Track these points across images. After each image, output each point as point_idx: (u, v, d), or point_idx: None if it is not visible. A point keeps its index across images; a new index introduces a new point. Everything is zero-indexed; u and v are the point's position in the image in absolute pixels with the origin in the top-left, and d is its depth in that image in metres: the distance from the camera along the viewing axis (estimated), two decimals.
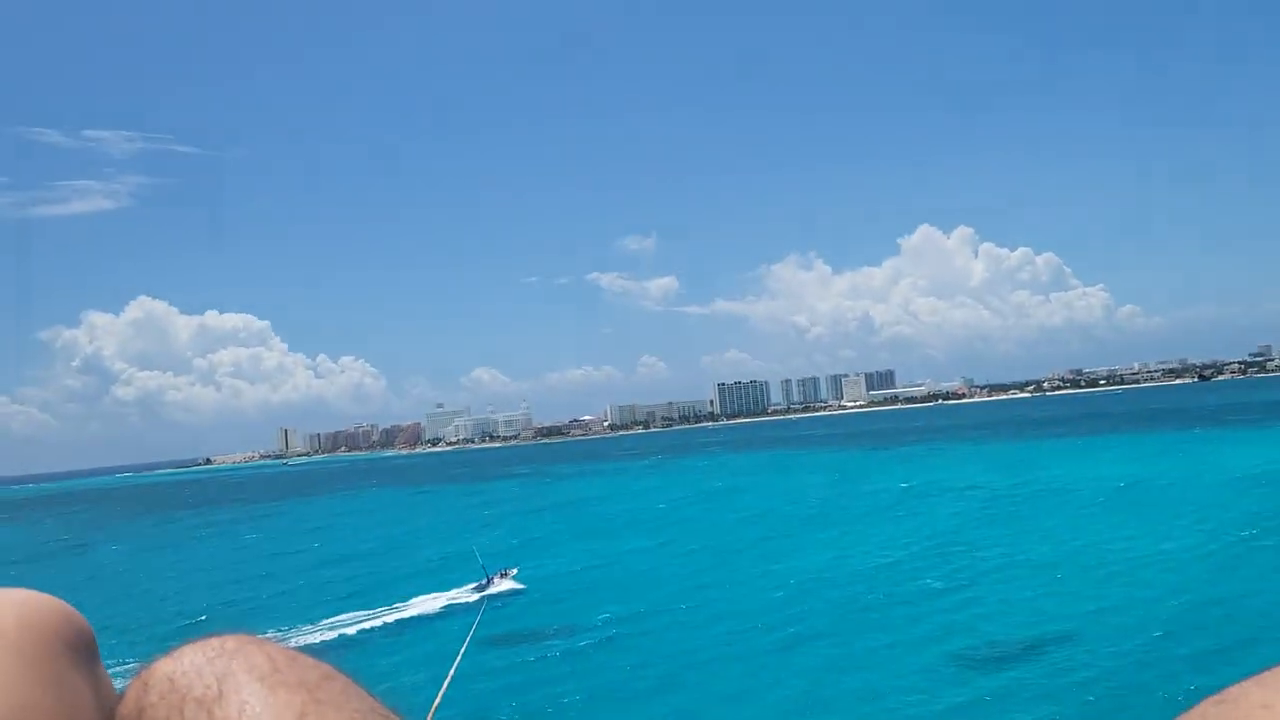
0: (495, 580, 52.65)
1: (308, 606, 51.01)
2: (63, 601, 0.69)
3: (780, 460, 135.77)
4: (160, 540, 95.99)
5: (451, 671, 31.84)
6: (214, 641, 0.72)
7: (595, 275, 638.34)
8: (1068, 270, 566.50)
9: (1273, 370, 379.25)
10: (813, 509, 73.37)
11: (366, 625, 45.79)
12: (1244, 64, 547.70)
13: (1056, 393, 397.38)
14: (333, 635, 43.41)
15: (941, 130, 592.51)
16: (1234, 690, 0.81)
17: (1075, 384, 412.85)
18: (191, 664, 0.69)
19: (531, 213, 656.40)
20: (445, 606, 48.99)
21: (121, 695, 0.74)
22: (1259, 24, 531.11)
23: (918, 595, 42.40)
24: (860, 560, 51.41)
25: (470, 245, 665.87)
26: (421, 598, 50.74)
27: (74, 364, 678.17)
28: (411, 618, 47.18)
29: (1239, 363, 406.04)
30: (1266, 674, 0.80)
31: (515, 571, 53.79)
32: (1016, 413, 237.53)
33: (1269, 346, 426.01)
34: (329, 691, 0.68)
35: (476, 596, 50.20)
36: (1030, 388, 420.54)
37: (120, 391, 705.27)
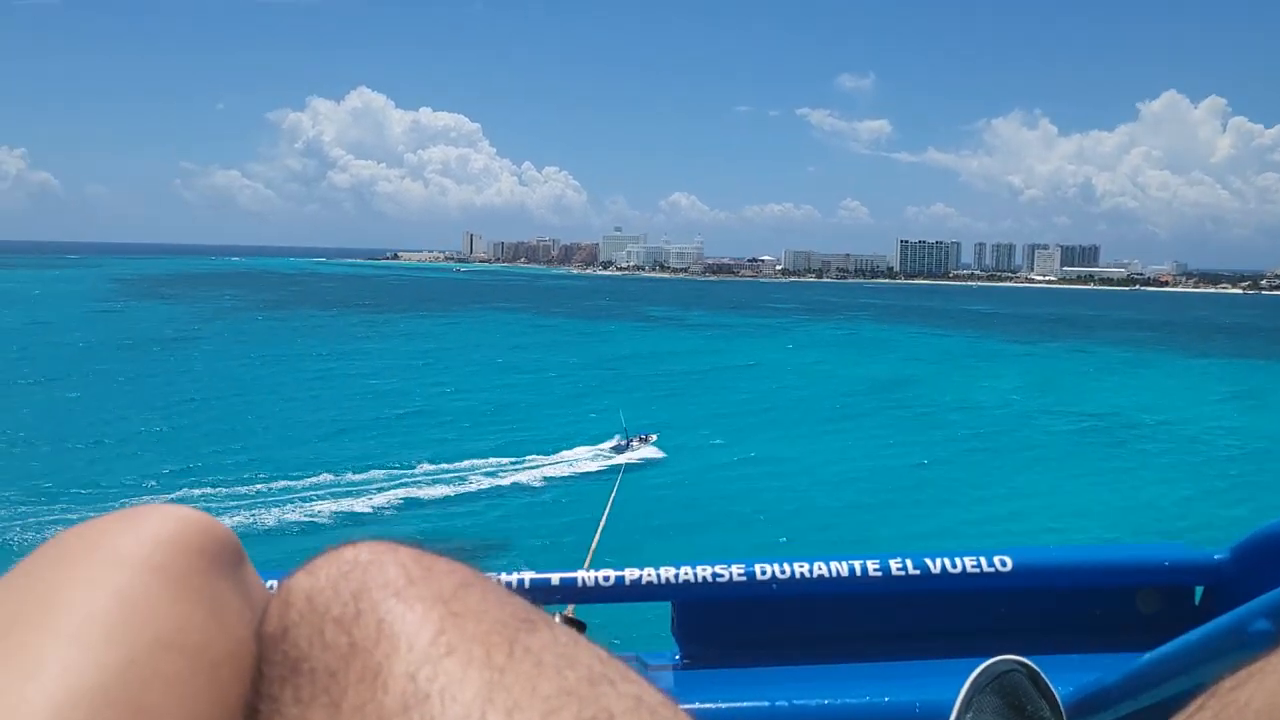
0: (634, 444, 48.68)
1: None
2: (202, 513, 0.70)
3: (960, 347, 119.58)
4: (276, 350, 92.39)
5: (603, 520, 26.47)
6: (348, 553, 0.69)
7: (806, 111, 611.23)
8: None
9: None
10: (992, 441, 61.16)
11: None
12: None
13: (1274, 292, 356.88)
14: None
15: None
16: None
17: None
18: (328, 580, 0.67)
19: (749, 39, 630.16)
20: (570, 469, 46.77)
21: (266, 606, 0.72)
22: None
23: None
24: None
25: (684, 66, 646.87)
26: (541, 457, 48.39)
27: (297, 146, 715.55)
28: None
29: None
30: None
31: (655, 438, 50.02)
32: (1218, 317, 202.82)
33: None
34: (465, 602, 0.65)
35: (615, 460, 46.46)
36: (1245, 283, 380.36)
37: (336, 177, 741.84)
